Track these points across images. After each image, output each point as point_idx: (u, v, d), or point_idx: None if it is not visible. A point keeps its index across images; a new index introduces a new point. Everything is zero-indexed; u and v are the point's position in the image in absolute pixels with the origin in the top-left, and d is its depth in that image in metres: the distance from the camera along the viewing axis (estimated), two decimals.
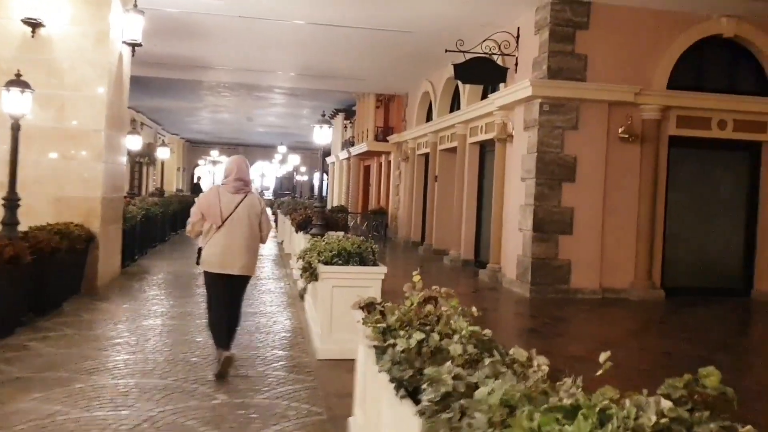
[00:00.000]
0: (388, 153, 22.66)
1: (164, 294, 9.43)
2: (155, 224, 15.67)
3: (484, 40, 11.30)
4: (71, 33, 9.37)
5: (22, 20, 9.02)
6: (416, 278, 3.94)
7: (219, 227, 5.33)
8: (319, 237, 8.76)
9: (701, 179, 10.89)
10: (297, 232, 9.88)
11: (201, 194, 5.89)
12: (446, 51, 11.41)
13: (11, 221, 7.31)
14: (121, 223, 10.94)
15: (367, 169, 27.23)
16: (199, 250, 5.48)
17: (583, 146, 10.01)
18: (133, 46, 10.29)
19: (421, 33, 12.63)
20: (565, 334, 7.67)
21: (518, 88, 10.28)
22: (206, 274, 5.45)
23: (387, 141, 21.70)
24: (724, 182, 10.97)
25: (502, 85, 11.74)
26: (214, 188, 5.70)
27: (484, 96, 13.70)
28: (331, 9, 11.48)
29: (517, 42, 11.20)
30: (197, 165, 47.54)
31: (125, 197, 13.71)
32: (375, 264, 6.08)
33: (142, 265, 12.39)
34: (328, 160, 34.78)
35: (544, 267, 9.96)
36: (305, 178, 46.21)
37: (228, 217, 5.34)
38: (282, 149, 35.34)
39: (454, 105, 15.99)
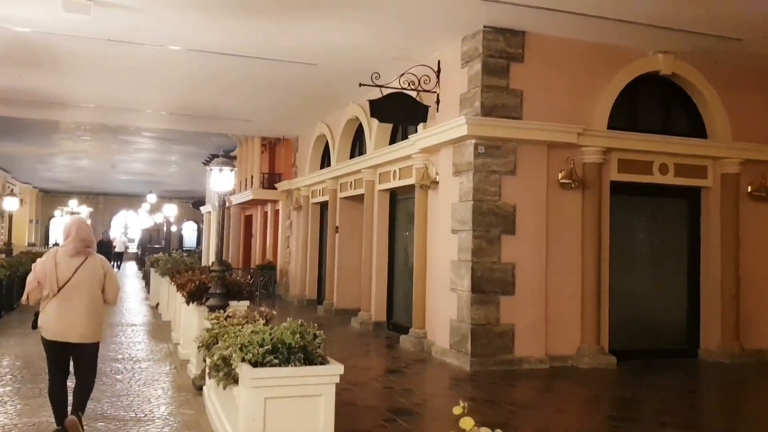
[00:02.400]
0: (275, 201, 20.80)
1: (10, 392, 7.01)
2: (0, 291, 12.84)
3: (402, 74, 10.01)
4: None
5: None
6: (467, 424, 2.33)
7: (56, 293, 5.12)
8: (220, 311, 6.91)
9: (644, 229, 10.06)
10: (189, 303, 7.87)
11: (38, 260, 5.41)
12: (360, 85, 10.00)
13: None
14: None
15: (249, 219, 25.12)
16: (36, 313, 5.24)
17: (522, 193, 8.85)
18: None
19: (325, 66, 11.16)
20: (544, 430, 6.19)
21: (449, 127, 9.01)
22: (44, 339, 5.23)
23: (275, 188, 19.88)
24: (666, 232, 10.17)
25: (418, 126, 10.50)
26: (51, 252, 5.40)
27: (393, 139, 12.41)
28: (216, 33, 9.68)
29: (438, 77, 10.02)
30: (53, 216, 42.77)
31: None
32: (324, 361, 4.34)
33: None
34: (203, 209, 32.18)
35: (486, 334, 8.57)
36: (174, 229, 42.82)
37: (66, 283, 5.14)
38: (151, 198, 32.34)
39: (356, 149, 14.61)
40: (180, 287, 8.90)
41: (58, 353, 5.21)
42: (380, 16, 8.85)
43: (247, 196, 21.09)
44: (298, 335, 4.34)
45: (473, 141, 8.74)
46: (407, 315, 11.18)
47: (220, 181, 7.76)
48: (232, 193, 24.45)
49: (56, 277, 5.12)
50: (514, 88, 8.94)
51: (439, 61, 10.01)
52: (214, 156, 26.88)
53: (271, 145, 21.91)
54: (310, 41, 9.96)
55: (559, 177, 9.04)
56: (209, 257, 27.72)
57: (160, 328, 12.02)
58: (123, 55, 10.95)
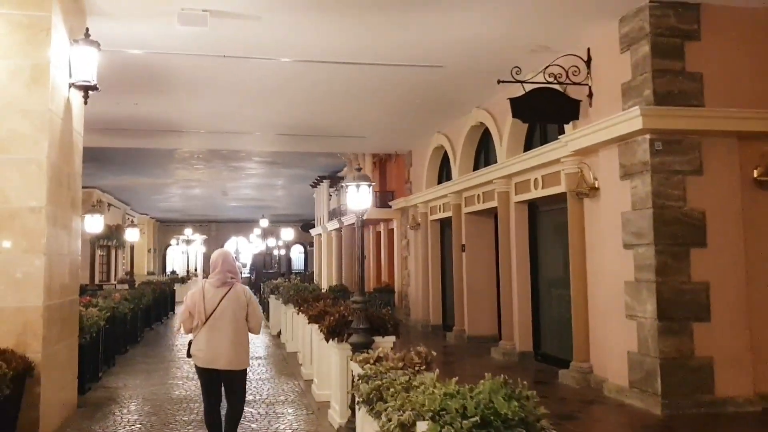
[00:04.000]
0: (388, 220, 19.92)
1: None
2: (124, 324, 12.47)
3: (546, 67, 8.76)
4: None
5: None
6: None
7: (204, 322, 5.40)
8: (367, 351, 5.91)
9: None
10: (328, 340, 6.88)
11: (188, 292, 5.79)
12: (499, 82, 8.80)
13: None
14: (77, 337, 7.85)
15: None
16: (190, 342, 5.56)
17: (711, 196, 7.33)
18: (87, 89, 7.45)
19: (452, 67, 10.07)
20: None
21: (615, 121, 7.64)
22: (196, 367, 5.54)
23: (389, 207, 18.97)
24: None
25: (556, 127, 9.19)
26: (200, 284, 5.70)
27: (528, 144, 11.11)
28: (330, 38, 8.74)
29: (589, 67, 8.68)
30: (169, 245, 44.15)
31: (85, 297, 10.58)
32: None
33: (109, 385, 9.21)
34: (312, 232, 31.92)
35: (678, 370, 7.05)
36: (282, 252, 42.92)
37: (212, 313, 5.41)
38: (263, 223, 32.47)
39: (480, 159, 13.40)
40: (313, 320, 7.99)
41: (209, 380, 5.47)
42: (518, 2, 7.69)
43: None
44: (514, 402, 3.16)
45: (648, 136, 7.32)
46: (560, 344, 9.80)
47: (358, 198, 6.80)
48: (343, 213, 23.85)
49: (204, 307, 5.40)
50: (691, 71, 7.46)
51: (588, 49, 8.69)
52: (323, 178, 26.48)
53: (381, 163, 21.11)
54: (434, 40, 8.93)
55: (755, 174, 7.46)
56: (322, 281, 27.23)
57: (286, 361, 11.22)
58: (235, 73, 10.38)
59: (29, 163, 6.50)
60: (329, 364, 7.27)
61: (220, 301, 5.42)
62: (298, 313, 10.31)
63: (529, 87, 8.75)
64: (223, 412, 5.57)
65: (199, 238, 39.17)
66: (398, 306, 18.19)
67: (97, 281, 25.21)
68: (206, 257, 45.23)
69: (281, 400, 8.26)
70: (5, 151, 6.47)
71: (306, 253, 46.73)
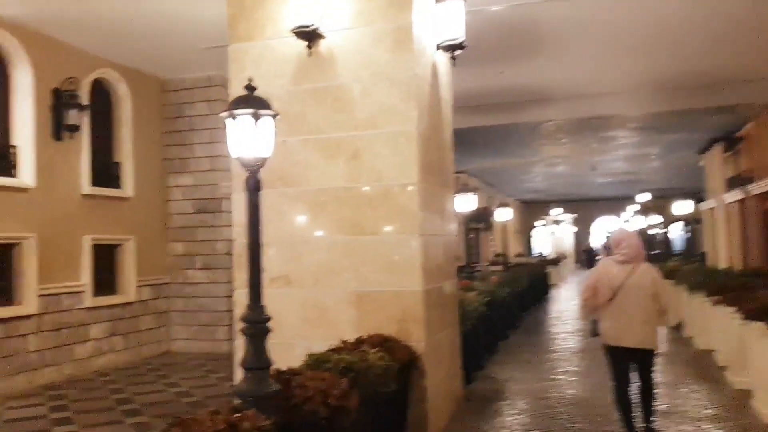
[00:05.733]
0: None
1: None
2: (503, 309, 11.63)
3: None
4: (357, 39, 6.03)
5: (292, 31, 5.93)
6: None
7: (611, 299, 5.29)
8: None
9: None
10: None
11: (592, 269, 5.80)
12: None
13: (258, 363, 3.62)
14: (458, 323, 7.15)
15: None
16: (593, 321, 5.53)
17: None
18: (453, 49, 6.58)
19: None
20: None
21: None
22: (606, 346, 5.45)
23: None
24: None
25: None
26: (604, 261, 5.65)
27: None
28: None
29: None
30: (533, 227, 43.56)
31: (462, 280, 10.02)
32: None
33: (493, 376, 8.40)
34: (702, 206, 27.64)
35: None
36: (658, 231, 38.64)
37: (618, 289, 5.28)
38: (642, 198, 29.35)
39: None
40: (753, 316, 5.89)
41: (620, 359, 5.36)
42: None
43: None
44: None
45: None
46: None
47: None
48: (747, 181, 19.77)
49: (609, 281, 5.31)
50: None
51: None
52: (715, 140, 22.40)
53: None
54: None
55: None
56: (719, 262, 23.20)
57: (697, 361, 9.03)
58: (606, 18, 8.70)
59: (398, 136, 5.84)
60: None
61: (627, 277, 5.28)
62: (714, 305, 8.11)
63: None
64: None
65: (568, 218, 37.63)
66: None
67: (469, 263, 25.80)
68: (576, 237, 43.59)
69: (708, 414, 6.33)
70: (375, 126, 5.92)
71: (692, 231, 41.40)
